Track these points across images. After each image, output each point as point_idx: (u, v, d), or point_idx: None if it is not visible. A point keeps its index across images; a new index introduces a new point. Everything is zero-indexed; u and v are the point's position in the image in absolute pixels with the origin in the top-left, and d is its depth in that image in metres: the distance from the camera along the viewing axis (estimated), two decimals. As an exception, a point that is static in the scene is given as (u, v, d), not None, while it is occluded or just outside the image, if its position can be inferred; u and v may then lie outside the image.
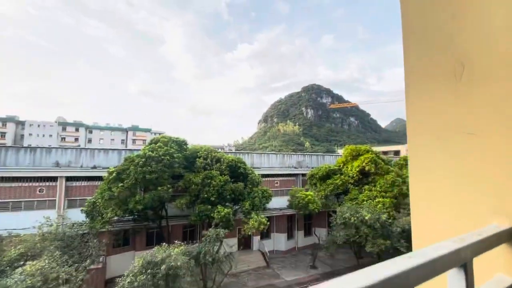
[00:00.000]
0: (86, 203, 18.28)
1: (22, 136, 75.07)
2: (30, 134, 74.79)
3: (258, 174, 22.49)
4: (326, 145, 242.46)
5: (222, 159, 20.51)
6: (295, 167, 30.63)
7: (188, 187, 19.15)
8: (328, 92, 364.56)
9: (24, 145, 71.19)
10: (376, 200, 21.64)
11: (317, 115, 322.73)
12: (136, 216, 19.61)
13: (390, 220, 19.51)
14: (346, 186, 25.02)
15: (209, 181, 18.51)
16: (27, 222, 19.26)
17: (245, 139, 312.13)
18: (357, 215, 19.35)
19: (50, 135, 76.36)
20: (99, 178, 21.58)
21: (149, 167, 16.97)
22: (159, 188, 17.27)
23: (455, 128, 0.91)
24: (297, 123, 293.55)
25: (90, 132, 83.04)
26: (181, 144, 20.49)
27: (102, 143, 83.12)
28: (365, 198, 22.53)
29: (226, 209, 17.63)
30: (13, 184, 20.51)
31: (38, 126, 75.68)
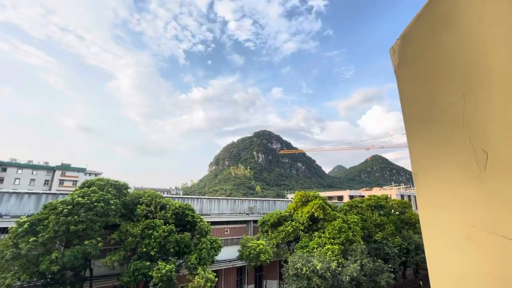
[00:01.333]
0: (-25, 266, 13.92)
1: None
2: None
3: (208, 222, 20.89)
4: (276, 189, 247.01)
5: (167, 206, 18.62)
6: (247, 213, 29.66)
7: (123, 240, 16.42)
8: (278, 139, 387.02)
9: None
10: (326, 247, 21.75)
11: (268, 159, 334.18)
12: (48, 280, 15.56)
13: (339, 269, 19.51)
14: (297, 233, 24.85)
15: (150, 231, 16.26)
16: None
17: (195, 181, 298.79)
18: (308, 264, 18.90)
19: None
20: (4, 230, 17.17)
21: (76, 216, 14.23)
22: (86, 242, 14.35)
23: (483, 229, 0.74)
24: (248, 167, 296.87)
25: (4, 170, 69.06)
26: (120, 188, 18.14)
27: (18, 184, 69.39)
28: (315, 246, 22.49)
29: (168, 265, 15.35)
30: None
31: None
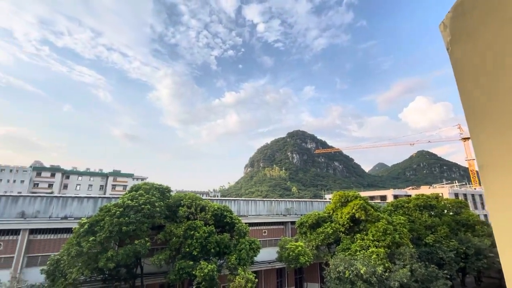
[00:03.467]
0: (48, 261, 15.99)
1: (-10, 182, 69.61)
2: (0, 180, 69.54)
3: (245, 223, 21.17)
4: (312, 189, 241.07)
5: (207, 208, 19.32)
6: (284, 215, 29.40)
7: (168, 240, 17.46)
8: (312, 138, 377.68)
9: (-10, 192, 65.35)
10: (370, 250, 20.52)
11: (303, 160, 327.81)
12: (106, 276, 17.20)
13: (386, 273, 18.23)
14: (338, 235, 23.88)
15: (192, 232, 17.03)
16: (-27, 286, 16.34)
17: (231, 184, 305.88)
18: (351, 268, 18.00)
19: (22, 181, 71.30)
20: (69, 231, 19.43)
21: (126, 218, 15.52)
22: (136, 241, 15.56)
23: None
24: (283, 168, 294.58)
25: (67, 177, 78.46)
26: (164, 192, 19.34)
27: (79, 190, 78.23)
28: (358, 248, 21.35)
29: (210, 265, 15.88)
30: (-35, 239, 17.94)
31: (11, 171, 70.98)
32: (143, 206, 16.44)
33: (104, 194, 79.19)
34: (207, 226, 18.18)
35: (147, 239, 16.05)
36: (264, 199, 30.17)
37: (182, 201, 19.12)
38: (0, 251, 18.46)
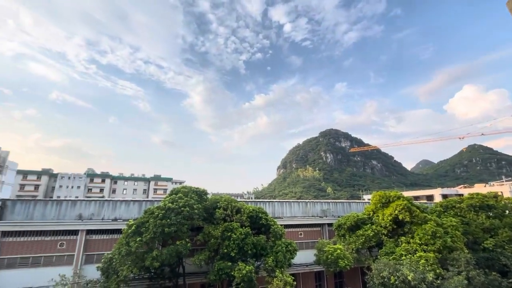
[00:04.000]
0: (102, 259, 17.59)
1: (53, 188, 78.84)
2: (61, 186, 78.45)
3: (281, 225, 21.06)
4: (349, 190, 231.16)
5: (242, 210, 19.64)
6: (320, 216, 28.64)
7: (207, 241, 18.10)
8: (346, 136, 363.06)
9: (54, 197, 74.32)
10: (417, 254, 18.98)
11: (337, 159, 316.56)
12: (152, 274, 18.40)
13: (438, 281, 16.69)
14: (380, 238, 22.54)
15: (229, 234, 17.44)
16: (43, 280, 18.65)
17: (264, 186, 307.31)
18: (397, 274, 16.83)
19: (78, 187, 79.64)
20: (119, 231, 21.18)
21: (168, 220, 16.45)
22: (178, 242, 16.41)
23: None
24: (317, 168, 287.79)
25: (115, 182, 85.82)
26: (201, 194, 20.12)
27: (125, 193, 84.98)
28: (404, 252, 19.89)
29: (248, 266, 16.09)
30: (37, 238, 20.58)
31: (69, 178, 79.76)
32: (182, 208, 17.28)
33: (147, 197, 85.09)
34: (243, 227, 18.46)
35: (187, 240, 16.82)
36: (299, 200, 29.74)
37: (218, 203, 19.70)
38: (63, 249, 20.82)
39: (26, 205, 21.38)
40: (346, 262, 20.31)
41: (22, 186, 74.34)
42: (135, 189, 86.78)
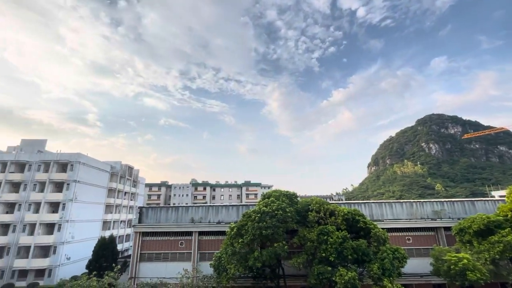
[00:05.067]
0: (213, 257, 20.08)
1: (170, 196, 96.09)
2: (174, 195, 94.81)
3: (383, 229, 18.97)
4: (467, 186, 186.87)
5: (336, 212, 18.79)
6: (432, 219, 24.26)
7: (303, 244, 18.12)
8: (455, 120, 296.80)
9: (171, 204, 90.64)
10: None
11: (445, 149, 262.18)
12: (255, 273, 19.72)
13: None
14: (528, 247, 17.19)
15: (325, 237, 16.94)
16: (172, 272, 22.78)
17: (355, 186, 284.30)
18: None
19: (187, 195, 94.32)
20: (223, 233, 23.80)
21: (264, 223, 17.40)
22: (275, 244, 17.10)
23: None
24: (418, 162, 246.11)
25: (214, 189, 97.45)
26: (291, 197, 20.43)
27: (222, 199, 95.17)
28: None
29: (350, 272, 15.16)
30: (164, 238, 25.45)
31: (180, 188, 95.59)
32: (276, 212, 17.95)
33: (241, 202, 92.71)
34: (339, 231, 17.58)
35: (284, 242, 17.31)
36: (402, 200, 26.08)
37: (310, 206, 19.50)
38: (183, 247, 24.96)
39: (154, 211, 26.82)
40: (478, 275, 16.38)
41: (149, 196, 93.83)
42: (230, 195, 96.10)
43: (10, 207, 44.15)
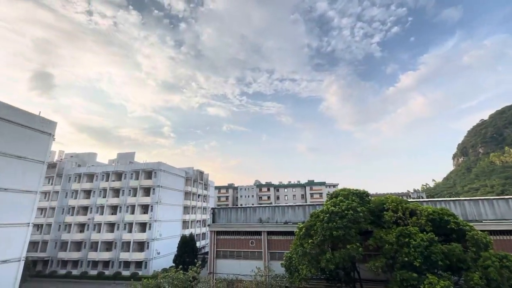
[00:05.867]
0: (283, 257, 20.27)
1: (237, 198, 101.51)
2: (241, 196, 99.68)
3: (482, 231, 15.89)
4: None
5: (418, 211, 16.63)
6: (556, 219, 19.08)
7: (380, 247, 16.63)
8: None
9: (238, 205, 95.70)
10: None
11: None
12: (328, 275, 19.07)
13: None
14: None
15: (406, 240, 15.16)
16: (245, 270, 23.96)
17: (438, 181, 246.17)
18: None
19: (252, 196, 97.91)
20: (291, 233, 23.83)
21: (334, 223, 16.69)
22: (348, 246, 16.19)
23: None
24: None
25: (277, 190, 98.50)
26: (362, 196, 19.05)
27: (287, 199, 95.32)
28: None
29: (442, 281, 13.17)
30: (236, 237, 27.01)
31: (245, 189, 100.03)
32: (346, 211, 17.01)
33: (305, 202, 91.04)
34: (424, 233, 15.50)
35: (358, 244, 16.24)
36: (507, 196, 21.31)
37: (384, 205, 17.81)
38: (253, 246, 25.99)
39: (225, 212, 28.75)
40: None
41: (218, 198, 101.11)
42: (294, 195, 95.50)
43: (114, 209, 53.81)
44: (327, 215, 17.25)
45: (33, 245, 50.27)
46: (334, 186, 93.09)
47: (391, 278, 15.93)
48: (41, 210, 54.72)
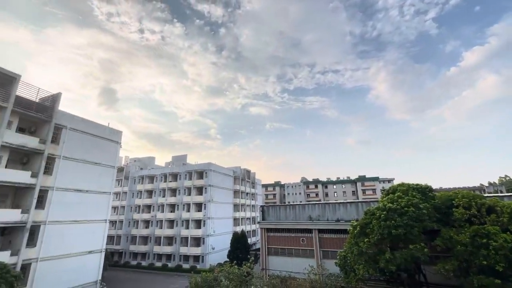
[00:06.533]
0: (338, 256, 19.56)
1: (284, 195, 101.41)
2: (288, 194, 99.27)
3: None
4: None
5: (498, 208, 14.33)
6: None
7: (450, 248, 14.81)
8: None
9: (286, 202, 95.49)
10: None
11: None
12: (388, 277, 17.75)
13: None
14: None
15: (484, 240, 13.21)
16: (297, 267, 23.84)
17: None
18: None
19: (300, 193, 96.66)
20: (343, 231, 22.86)
21: (392, 221, 15.44)
22: (411, 246, 14.80)
23: None
24: None
25: (326, 187, 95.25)
26: (424, 192, 17.19)
27: (336, 196, 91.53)
28: None
29: (535, 290, 11.14)
30: (285, 234, 27.04)
31: (292, 187, 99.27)
32: (406, 208, 15.59)
33: (357, 198, 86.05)
34: (507, 233, 13.29)
35: (422, 244, 14.73)
36: None
37: (453, 201, 15.79)
38: (304, 244, 25.67)
39: (274, 209, 28.99)
40: None
41: (266, 196, 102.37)
42: (344, 191, 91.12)
43: (172, 207, 58.84)
44: (384, 212, 16.04)
45: (110, 238, 58.16)
46: (389, 181, 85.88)
47: (465, 283, 14.07)
48: (114, 208, 62.92)
